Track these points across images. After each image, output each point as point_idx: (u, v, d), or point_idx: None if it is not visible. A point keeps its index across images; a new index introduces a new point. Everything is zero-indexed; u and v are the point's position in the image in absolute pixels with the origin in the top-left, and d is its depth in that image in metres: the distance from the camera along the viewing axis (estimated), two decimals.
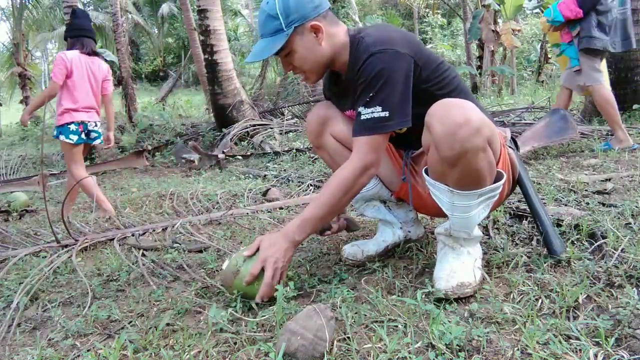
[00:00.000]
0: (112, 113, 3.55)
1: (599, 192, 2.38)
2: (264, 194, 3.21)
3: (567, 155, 3.49)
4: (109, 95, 3.43)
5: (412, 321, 1.24)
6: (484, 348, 1.12)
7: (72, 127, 3.17)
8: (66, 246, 2.33)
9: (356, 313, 1.32)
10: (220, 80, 6.46)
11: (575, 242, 1.71)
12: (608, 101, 3.57)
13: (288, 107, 7.73)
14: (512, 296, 1.36)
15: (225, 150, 5.51)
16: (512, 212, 2.13)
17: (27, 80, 13.20)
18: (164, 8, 21.92)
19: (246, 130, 6.27)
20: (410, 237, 1.83)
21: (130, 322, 1.45)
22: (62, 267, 2.03)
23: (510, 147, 1.57)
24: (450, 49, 17.66)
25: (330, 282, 1.59)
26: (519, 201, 2.27)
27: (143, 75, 24.82)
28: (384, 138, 1.46)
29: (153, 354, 1.24)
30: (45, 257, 2.17)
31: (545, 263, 1.52)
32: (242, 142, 6.06)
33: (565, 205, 2.19)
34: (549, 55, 11.12)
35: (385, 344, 1.14)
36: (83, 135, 3.22)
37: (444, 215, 1.48)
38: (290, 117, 7.34)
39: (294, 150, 4.85)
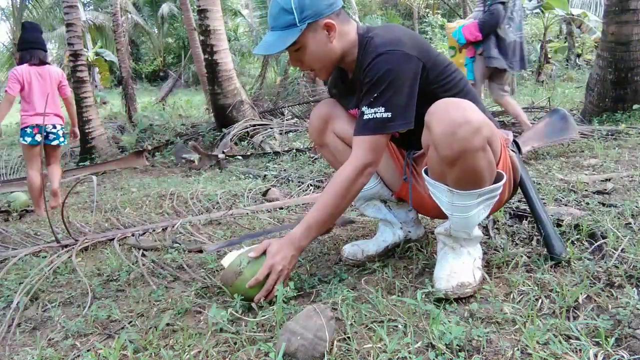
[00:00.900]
0: (74, 112, 3.95)
1: (599, 192, 2.38)
2: (264, 194, 3.21)
3: (567, 155, 3.49)
4: (67, 97, 3.86)
5: (412, 321, 1.24)
6: (484, 348, 1.12)
7: (27, 130, 3.59)
8: (66, 246, 2.33)
9: (356, 313, 1.32)
10: (220, 80, 6.45)
11: (575, 242, 1.71)
12: (515, 109, 4.24)
13: (288, 107, 7.72)
14: (512, 296, 1.36)
15: (225, 150, 5.51)
16: (512, 212, 2.13)
17: None
18: (164, 8, 21.91)
19: (246, 130, 6.27)
20: (410, 237, 1.83)
21: (130, 322, 1.45)
22: (62, 267, 2.03)
23: (512, 150, 1.56)
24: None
25: (330, 282, 1.59)
26: (519, 201, 2.27)
27: (143, 75, 24.81)
28: (385, 138, 1.46)
29: (153, 354, 1.24)
30: (45, 257, 2.17)
31: (545, 263, 1.52)
32: (242, 142, 6.05)
33: (565, 205, 2.19)
34: (549, 56, 11.11)
35: (385, 344, 1.14)
36: (37, 138, 3.60)
37: (445, 217, 1.48)
38: (290, 117, 7.33)
39: (294, 150, 4.85)
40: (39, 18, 14.73)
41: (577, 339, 1.12)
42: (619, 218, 1.90)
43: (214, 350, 1.21)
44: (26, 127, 3.59)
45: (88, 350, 1.29)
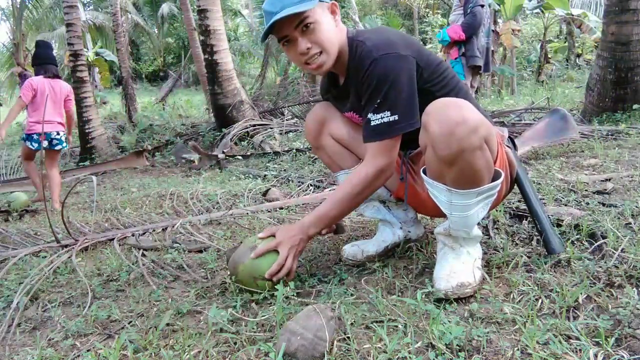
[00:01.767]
0: (71, 124, 4.30)
1: (599, 192, 2.38)
2: (264, 194, 3.21)
3: (567, 155, 3.49)
4: (69, 111, 4.22)
5: (412, 321, 1.24)
6: (484, 348, 1.12)
7: (34, 136, 3.98)
8: (66, 246, 2.33)
9: (356, 313, 1.32)
10: (220, 80, 6.45)
11: (575, 242, 1.71)
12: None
13: (288, 107, 7.72)
14: (512, 296, 1.36)
15: (225, 150, 5.51)
16: (512, 212, 2.13)
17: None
18: (164, 8, 21.90)
19: (246, 130, 6.27)
20: (410, 237, 1.83)
21: (130, 322, 1.45)
22: (62, 267, 2.03)
23: (507, 146, 1.57)
24: None
25: (330, 282, 1.59)
26: (518, 201, 2.27)
27: (143, 75, 24.81)
28: (395, 140, 1.48)
29: (153, 354, 1.24)
30: (45, 257, 2.17)
31: (545, 263, 1.52)
32: (242, 142, 6.05)
33: (565, 205, 2.19)
34: (549, 55, 11.12)
35: (385, 344, 1.14)
36: (44, 143, 3.97)
37: (443, 216, 1.48)
38: (290, 117, 7.34)
39: (294, 150, 4.85)
40: (39, 18, 14.71)
41: (577, 339, 1.11)
42: (619, 218, 1.90)
43: (214, 350, 1.21)
44: (33, 133, 3.96)
45: (88, 350, 1.29)
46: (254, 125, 6.41)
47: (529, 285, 1.39)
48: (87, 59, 15.31)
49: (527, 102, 7.07)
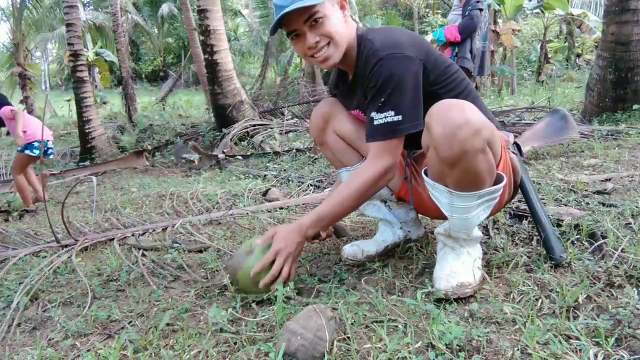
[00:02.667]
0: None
1: (599, 192, 2.38)
2: (264, 194, 3.21)
3: (567, 155, 3.49)
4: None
5: (412, 321, 1.24)
6: (484, 348, 1.12)
7: (35, 143, 4.11)
8: (66, 246, 2.33)
9: (356, 313, 1.32)
10: (220, 80, 6.45)
11: (575, 242, 1.71)
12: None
13: (288, 107, 7.72)
14: (512, 296, 1.36)
15: (225, 150, 5.51)
16: (512, 212, 2.13)
17: (27, 80, 13.18)
18: (164, 8, 21.90)
19: (246, 130, 6.27)
20: (410, 237, 1.83)
21: (130, 322, 1.45)
22: (62, 267, 2.03)
23: (513, 152, 1.56)
24: None
25: (330, 282, 1.59)
26: (519, 201, 2.27)
27: (143, 75, 24.81)
28: (399, 141, 1.47)
29: (153, 354, 1.24)
30: (45, 257, 2.17)
31: (545, 263, 1.52)
32: (242, 142, 6.05)
33: (565, 205, 2.19)
34: (549, 55, 11.12)
35: (385, 344, 1.14)
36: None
37: (444, 217, 1.48)
38: (290, 117, 7.34)
39: (294, 150, 4.85)
40: (39, 18, 14.71)
41: (577, 339, 1.11)
42: (619, 218, 1.90)
43: (214, 350, 1.21)
44: (34, 140, 4.09)
45: (88, 350, 1.29)
46: (254, 125, 6.41)
47: (529, 285, 1.39)
48: (87, 59, 15.32)
49: (527, 102, 7.07)
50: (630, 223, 1.83)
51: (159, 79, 23.65)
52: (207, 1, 6.30)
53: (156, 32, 23.63)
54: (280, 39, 12.85)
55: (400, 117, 1.41)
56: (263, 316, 1.34)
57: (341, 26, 1.46)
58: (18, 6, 12.99)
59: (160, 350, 1.23)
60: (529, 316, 1.22)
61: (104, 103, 16.40)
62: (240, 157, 5.10)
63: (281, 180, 3.72)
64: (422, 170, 1.47)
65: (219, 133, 6.50)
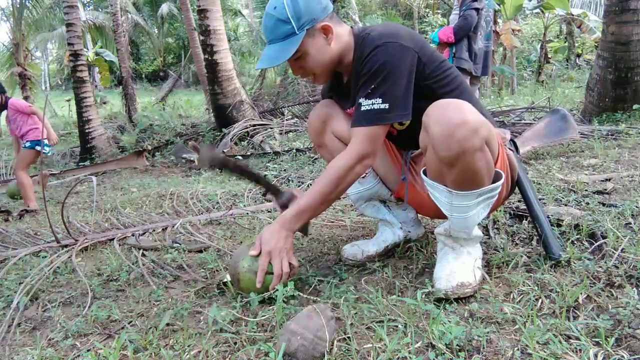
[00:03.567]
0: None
1: (599, 192, 2.38)
2: (264, 194, 3.20)
3: (567, 155, 3.49)
4: None
5: (412, 321, 1.24)
6: (484, 348, 1.12)
7: (46, 141, 4.18)
8: (66, 246, 2.32)
9: (356, 313, 1.32)
10: (220, 80, 6.45)
11: (575, 242, 1.71)
12: None
13: (288, 107, 7.73)
14: (512, 296, 1.36)
15: (225, 150, 5.51)
16: (512, 212, 2.13)
17: (27, 80, 13.17)
18: (164, 8, 21.90)
19: (246, 130, 6.27)
20: (410, 237, 1.83)
21: (130, 322, 1.45)
22: (62, 267, 2.03)
23: (509, 148, 1.57)
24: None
25: (330, 282, 1.59)
26: (519, 201, 2.27)
27: (143, 75, 24.80)
28: (382, 130, 1.46)
29: (153, 354, 1.24)
30: (45, 257, 2.17)
31: (545, 263, 1.52)
32: (242, 142, 6.06)
33: (565, 205, 2.19)
34: (549, 55, 11.11)
35: (385, 344, 1.14)
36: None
37: (444, 217, 1.48)
38: (290, 117, 7.34)
39: (294, 150, 4.85)
40: (39, 18, 14.71)
41: (577, 339, 1.11)
42: (619, 218, 1.90)
43: (214, 350, 1.21)
44: (45, 137, 4.13)
45: (88, 350, 1.29)
46: (254, 125, 6.41)
47: (529, 285, 1.39)
48: (87, 59, 15.30)
49: (527, 102, 7.07)
50: (630, 223, 1.83)
51: (159, 79, 23.65)
52: (207, 1, 6.30)
53: (156, 32, 23.63)
54: None
55: (387, 106, 1.40)
56: (263, 316, 1.34)
57: (323, 55, 1.49)
58: (18, 6, 12.98)
59: (160, 350, 1.23)
60: (529, 316, 1.22)
61: (104, 103, 16.40)
62: (240, 157, 5.10)
63: (281, 180, 3.72)
64: (421, 170, 1.47)
65: (219, 133, 6.50)
